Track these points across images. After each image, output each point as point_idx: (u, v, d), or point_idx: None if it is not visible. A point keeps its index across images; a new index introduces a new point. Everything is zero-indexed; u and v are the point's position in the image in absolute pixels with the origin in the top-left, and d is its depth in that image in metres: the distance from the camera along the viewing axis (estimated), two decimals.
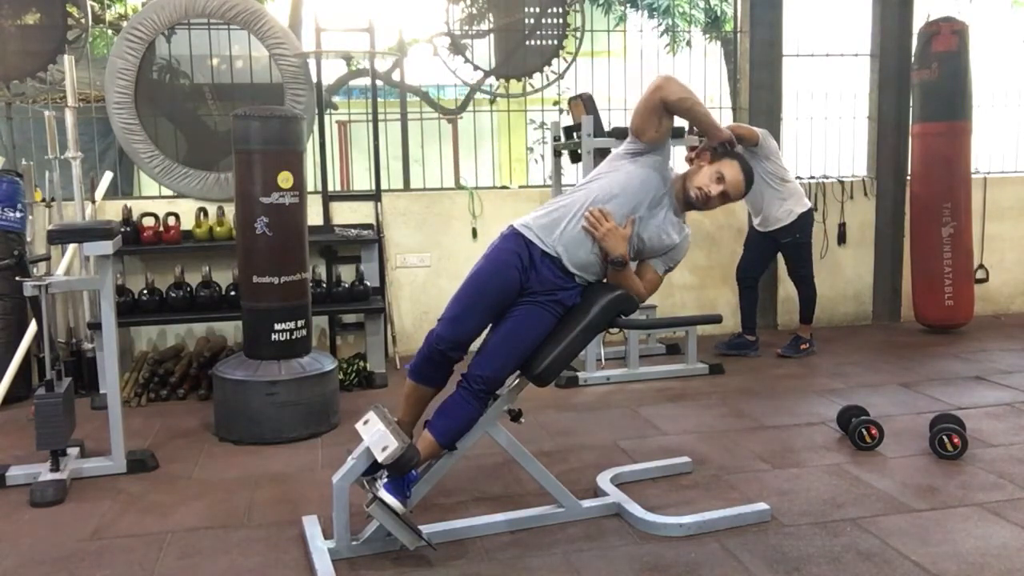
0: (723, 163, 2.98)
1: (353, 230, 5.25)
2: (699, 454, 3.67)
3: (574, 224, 2.88)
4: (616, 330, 4.10)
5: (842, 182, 6.24)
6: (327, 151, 5.45)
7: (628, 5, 10.03)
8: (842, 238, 6.26)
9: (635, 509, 3.04)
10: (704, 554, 2.78)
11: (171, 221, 4.92)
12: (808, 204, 5.34)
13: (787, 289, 5.85)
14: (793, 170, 5.67)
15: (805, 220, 5.30)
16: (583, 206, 2.89)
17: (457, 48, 5.71)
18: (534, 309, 2.87)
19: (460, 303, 2.88)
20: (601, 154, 4.49)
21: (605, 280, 2.97)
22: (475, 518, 3.01)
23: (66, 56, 4.49)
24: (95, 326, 4.45)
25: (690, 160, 5.66)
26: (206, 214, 4.98)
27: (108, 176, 5.22)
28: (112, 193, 5.35)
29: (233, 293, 4.76)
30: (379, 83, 5.67)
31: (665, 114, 2.88)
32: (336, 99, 6.63)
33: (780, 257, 5.56)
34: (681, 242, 3.04)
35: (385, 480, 2.74)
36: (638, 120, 2.92)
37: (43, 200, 4.99)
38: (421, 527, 2.78)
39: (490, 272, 2.89)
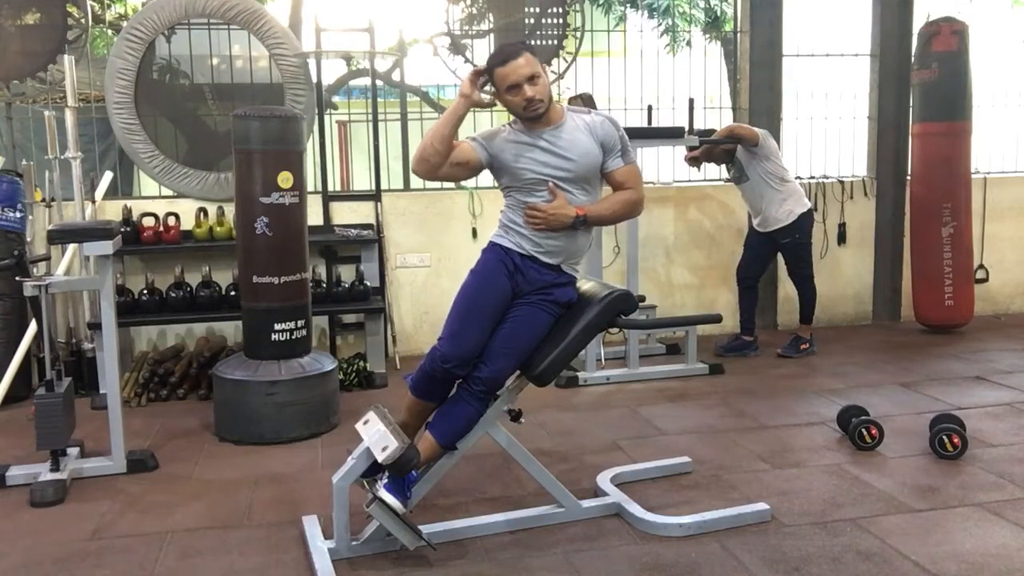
0: (496, 81, 2.83)
1: (353, 230, 5.25)
2: (699, 454, 3.67)
3: (526, 228, 2.90)
4: (616, 330, 4.10)
5: (842, 182, 6.24)
6: (327, 151, 5.45)
7: (628, 5, 10.03)
8: (842, 238, 6.26)
9: (635, 509, 3.04)
10: (704, 554, 2.78)
11: (171, 221, 4.92)
12: (808, 204, 5.34)
13: (787, 289, 5.85)
14: (793, 170, 5.67)
15: (805, 220, 5.30)
16: (518, 213, 2.91)
17: (457, 48, 5.71)
18: (531, 310, 2.88)
19: (458, 318, 2.87)
20: None
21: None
22: (475, 518, 3.01)
23: (66, 56, 4.49)
24: (95, 326, 4.45)
25: (691, 160, 5.69)
26: (206, 214, 4.98)
27: (108, 176, 5.22)
28: (112, 193, 5.35)
29: (233, 293, 4.76)
30: (379, 83, 5.67)
31: (444, 168, 2.84)
32: (336, 99, 6.64)
33: (780, 257, 5.56)
34: (596, 132, 2.88)
35: (385, 480, 2.74)
36: (462, 181, 3.32)
37: (43, 200, 4.98)
38: (421, 527, 2.78)
39: (482, 283, 2.91)
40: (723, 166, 5.71)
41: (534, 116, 2.83)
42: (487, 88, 2.93)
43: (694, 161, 5.52)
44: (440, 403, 2.93)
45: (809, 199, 5.49)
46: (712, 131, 5.38)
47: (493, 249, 2.98)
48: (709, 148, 5.37)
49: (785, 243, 5.33)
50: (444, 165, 2.83)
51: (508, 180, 2.93)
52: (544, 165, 2.86)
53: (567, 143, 2.86)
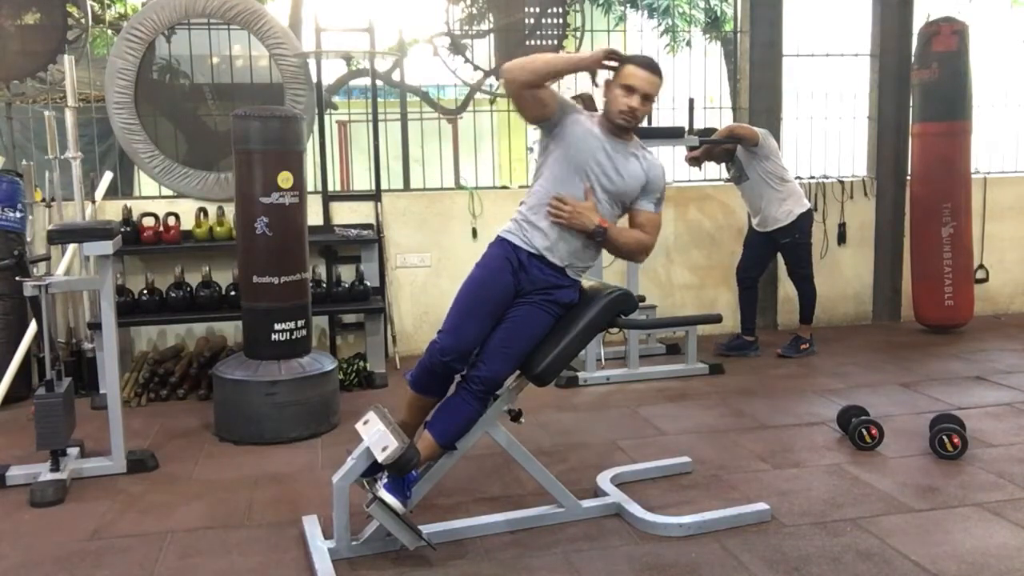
0: (623, 74, 2.89)
1: (353, 230, 5.25)
2: (699, 454, 3.67)
3: (544, 221, 2.90)
4: (616, 330, 4.10)
5: (842, 182, 6.24)
6: (327, 151, 5.45)
7: (628, 5, 10.03)
8: (842, 238, 6.26)
9: (635, 509, 3.04)
10: (704, 554, 2.78)
11: (171, 221, 4.92)
12: (807, 204, 5.34)
13: (787, 289, 5.85)
14: (793, 170, 5.67)
15: (804, 221, 5.30)
16: (542, 203, 2.91)
17: (457, 48, 5.71)
18: (531, 309, 2.88)
19: (459, 312, 2.88)
20: None
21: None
22: (475, 518, 3.01)
23: (66, 56, 4.49)
24: (95, 326, 4.45)
25: (691, 160, 5.69)
26: (206, 214, 4.98)
27: (108, 176, 5.22)
28: (112, 193, 5.34)
29: (233, 293, 4.76)
30: (379, 83, 5.67)
31: (533, 90, 2.86)
32: (336, 99, 6.63)
33: (780, 257, 5.56)
34: (649, 170, 2.97)
35: (385, 480, 2.74)
36: (523, 114, 3.01)
37: (43, 200, 4.99)
38: (421, 527, 2.78)
39: (485, 278, 2.91)
40: (723, 166, 5.71)
41: (622, 124, 2.91)
42: (606, 76, 2.97)
43: (694, 161, 5.52)
44: (439, 398, 2.94)
45: (809, 199, 5.50)
46: (712, 131, 5.38)
47: (500, 244, 2.97)
48: (709, 148, 5.37)
49: (785, 243, 5.33)
50: (535, 88, 2.86)
51: (556, 152, 2.93)
52: (597, 163, 2.90)
53: (624, 161, 2.93)
